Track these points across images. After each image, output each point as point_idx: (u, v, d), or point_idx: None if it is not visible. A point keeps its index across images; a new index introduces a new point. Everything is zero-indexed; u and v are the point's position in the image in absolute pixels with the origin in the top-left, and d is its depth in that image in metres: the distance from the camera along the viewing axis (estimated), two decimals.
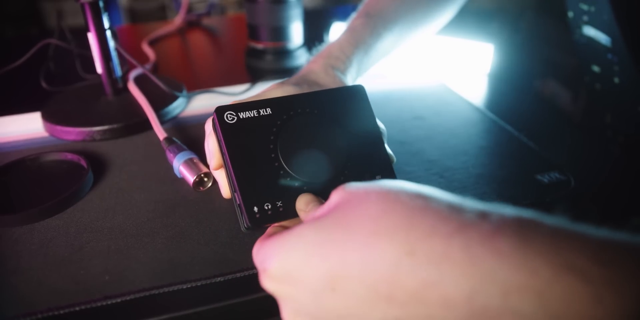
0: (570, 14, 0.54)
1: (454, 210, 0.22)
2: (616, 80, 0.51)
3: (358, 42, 0.49)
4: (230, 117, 0.34)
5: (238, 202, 0.33)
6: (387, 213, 0.23)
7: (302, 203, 0.33)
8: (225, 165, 0.35)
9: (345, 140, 0.36)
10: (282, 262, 0.25)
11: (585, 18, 0.51)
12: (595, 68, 0.53)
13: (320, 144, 0.35)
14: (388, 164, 0.37)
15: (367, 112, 0.38)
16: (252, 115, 0.35)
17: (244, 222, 0.33)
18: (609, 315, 0.17)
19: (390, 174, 0.36)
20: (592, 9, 0.50)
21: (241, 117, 0.34)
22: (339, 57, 0.47)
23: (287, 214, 0.33)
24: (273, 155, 0.34)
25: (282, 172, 0.34)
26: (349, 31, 0.50)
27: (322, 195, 0.33)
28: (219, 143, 0.35)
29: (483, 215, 0.21)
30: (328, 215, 0.25)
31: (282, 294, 0.26)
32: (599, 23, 0.50)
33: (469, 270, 0.19)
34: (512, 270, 0.19)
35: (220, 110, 0.34)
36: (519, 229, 0.20)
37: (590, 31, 0.51)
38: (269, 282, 0.26)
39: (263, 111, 0.35)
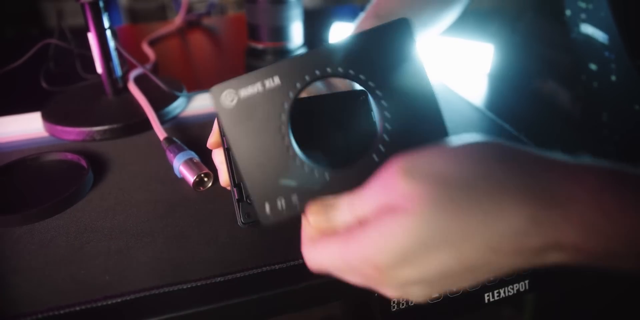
0: (568, 12, 0.54)
1: (559, 174, 0.24)
2: (613, 78, 0.50)
3: None
4: (229, 97, 0.28)
5: (237, 197, 0.33)
6: (495, 178, 0.24)
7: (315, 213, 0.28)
8: (227, 155, 0.33)
9: (383, 109, 0.28)
10: (394, 253, 0.24)
11: (583, 16, 0.51)
12: (593, 66, 0.53)
13: (345, 118, 0.28)
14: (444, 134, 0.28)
15: (413, 61, 0.28)
16: (256, 90, 0.28)
17: (241, 217, 0.32)
18: None
19: None
20: (590, 6, 0.50)
21: (242, 95, 0.28)
22: None
23: (303, 207, 0.28)
24: (285, 140, 0.28)
25: (296, 160, 0.28)
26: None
27: (349, 183, 0.27)
28: (220, 129, 0.33)
29: (581, 180, 0.24)
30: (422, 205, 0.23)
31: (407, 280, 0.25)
32: (596, 20, 0.50)
33: (580, 228, 0.23)
34: (612, 224, 0.23)
35: (216, 91, 0.27)
36: (619, 188, 0.24)
37: (587, 29, 0.51)
38: (388, 275, 0.25)
39: (269, 82, 0.28)
